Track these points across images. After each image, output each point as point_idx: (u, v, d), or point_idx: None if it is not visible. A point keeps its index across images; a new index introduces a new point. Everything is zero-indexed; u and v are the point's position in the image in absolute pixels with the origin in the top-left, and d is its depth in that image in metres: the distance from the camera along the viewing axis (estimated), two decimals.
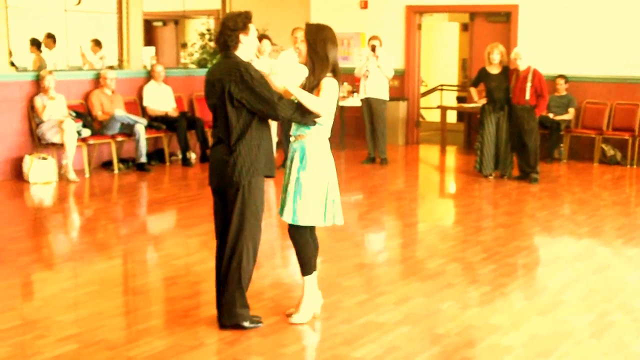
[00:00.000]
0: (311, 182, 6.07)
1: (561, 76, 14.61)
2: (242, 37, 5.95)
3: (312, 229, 6.30)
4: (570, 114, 14.56)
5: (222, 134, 5.96)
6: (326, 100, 5.99)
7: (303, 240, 6.25)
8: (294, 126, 6.20)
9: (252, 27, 5.99)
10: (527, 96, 12.06)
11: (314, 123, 6.04)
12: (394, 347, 5.85)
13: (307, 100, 5.93)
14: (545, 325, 6.32)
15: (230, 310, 6.06)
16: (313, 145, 6.10)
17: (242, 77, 5.80)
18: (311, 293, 6.35)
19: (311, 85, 6.07)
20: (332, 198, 6.20)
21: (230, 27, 5.93)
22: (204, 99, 6.18)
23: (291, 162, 6.17)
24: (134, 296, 7.15)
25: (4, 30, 12.09)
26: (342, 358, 5.64)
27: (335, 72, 6.13)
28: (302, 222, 6.13)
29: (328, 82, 6.04)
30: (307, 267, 6.30)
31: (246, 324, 6.11)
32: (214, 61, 14.93)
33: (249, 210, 5.97)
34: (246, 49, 6.01)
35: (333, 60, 6.09)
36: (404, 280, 7.52)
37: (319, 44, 6.07)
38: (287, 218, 6.14)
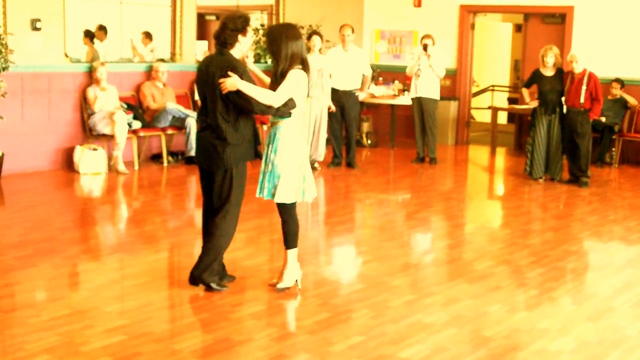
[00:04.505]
0: (283, 164, 6.66)
1: (617, 80, 14.44)
2: (240, 37, 6.60)
3: (294, 207, 6.84)
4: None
5: (212, 121, 6.59)
6: (283, 92, 6.52)
7: (288, 215, 6.83)
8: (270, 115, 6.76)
9: (250, 29, 6.66)
10: (582, 99, 11.93)
11: (290, 114, 6.64)
12: (441, 348, 5.82)
13: (257, 94, 6.45)
14: (595, 332, 6.25)
15: (202, 275, 6.79)
16: (283, 131, 6.67)
17: (230, 73, 6.40)
18: (293, 264, 6.87)
19: (277, 78, 6.61)
20: (303, 175, 6.76)
21: (231, 28, 6.56)
22: (196, 88, 6.91)
23: (267, 146, 6.77)
24: (181, 289, 7.15)
25: (60, 22, 12.20)
26: (389, 358, 5.62)
27: (303, 64, 6.65)
28: (277, 199, 6.71)
29: (292, 74, 6.58)
30: (292, 240, 6.86)
31: (214, 285, 6.83)
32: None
33: (234, 193, 6.71)
34: (242, 48, 6.66)
35: (292, 54, 6.58)
36: (451, 282, 7.48)
37: (273, 43, 6.63)
38: (264, 195, 6.75)
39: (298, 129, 6.80)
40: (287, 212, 6.82)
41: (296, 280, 6.91)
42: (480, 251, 8.63)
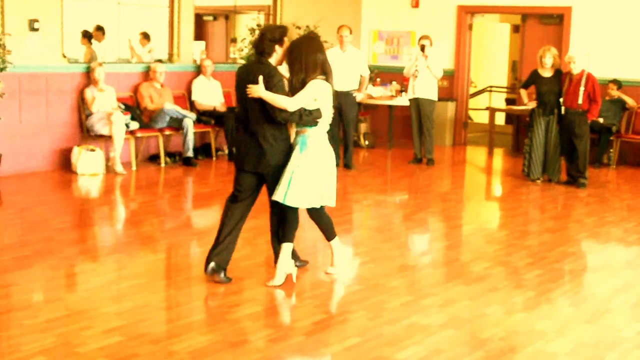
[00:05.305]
0: (310, 170, 6.93)
1: (614, 81, 14.45)
2: (277, 47, 6.97)
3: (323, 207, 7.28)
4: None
5: (254, 127, 6.93)
6: (298, 98, 6.85)
7: (318, 216, 7.29)
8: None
9: (286, 40, 7.01)
10: (580, 100, 11.93)
11: (316, 123, 6.97)
12: (438, 350, 5.81)
13: (276, 100, 6.76)
14: (592, 333, 6.24)
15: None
16: (312, 139, 6.97)
17: (267, 82, 6.78)
18: (339, 251, 7.47)
19: (294, 87, 6.95)
20: (326, 182, 7.09)
21: (269, 38, 6.95)
22: (235, 93, 7.23)
23: (296, 153, 7.00)
24: (178, 291, 7.16)
25: (58, 22, 12.18)
26: (386, 359, 5.61)
27: (325, 74, 7.06)
28: (296, 203, 6.99)
29: (311, 83, 6.92)
30: (329, 234, 7.40)
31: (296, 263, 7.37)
32: None
33: None
34: (278, 57, 7.01)
35: (308, 65, 6.95)
36: (448, 283, 7.48)
37: (291, 55, 6.97)
38: (282, 200, 6.93)
39: (325, 136, 7.14)
40: (315, 213, 7.27)
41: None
42: (478, 252, 8.62)
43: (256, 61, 7.04)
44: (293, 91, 6.94)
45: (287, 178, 6.89)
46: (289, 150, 7.01)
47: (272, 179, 7.01)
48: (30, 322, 6.05)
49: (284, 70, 7.19)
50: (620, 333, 6.27)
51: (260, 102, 6.81)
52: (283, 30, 7.06)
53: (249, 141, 6.99)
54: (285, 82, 7.09)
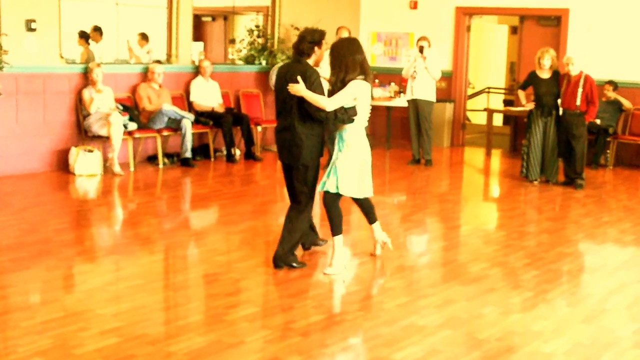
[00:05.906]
0: (347, 161, 7.40)
1: (610, 82, 14.45)
2: (316, 49, 7.46)
3: (339, 199, 7.54)
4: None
5: (290, 123, 7.38)
6: (337, 98, 7.26)
7: (334, 207, 7.49)
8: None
9: (325, 43, 7.52)
10: (578, 102, 11.93)
11: (352, 120, 7.36)
12: (435, 350, 5.81)
13: (315, 100, 7.22)
14: (588, 334, 6.25)
15: (287, 255, 7.54)
16: (349, 133, 7.43)
17: (305, 80, 7.24)
18: (339, 250, 7.52)
19: (336, 86, 7.36)
20: (366, 173, 7.53)
21: (309, 40, 7.43)
22: (274, 91, 7.86)
23: (334, 146, 7.59)
24: (175, 291, 7.17)
25: (56, 22, 12.17)
26: None
27: (364, 74, 7.41)
28: (340, 191, 7.42)
29: (351, 84, 7.32)
30: (337, 228, 7.50)
31: (295, 264, 7.56)
32: (262, 58, 14.99)
33: (310, 185, 7.53)
34: (316, 58, 7.51)
35: (347, 65, 7.35)
36: (446, 284, 7.48)
37: (332, 56, 7.46)
38: (330, 188, 7.43)
39: (363, 132, 7.54)
40: (334, 204, 7.50)
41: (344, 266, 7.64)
42: (475, 253, 8.63)
43: (294, 61, 7.55)
44: (335, 90, 7.33)
45: (332, 171, 7.44)
46: (321, 147, 7.50)
47: (298, 176, 7.48)
48: (27, 323, 6.04)
49: (324, 72, 7.69)
50: (616, 333, 6.29)
51: (298, 99, 7.26)
52: (322, 33, 7.52)
53: (287, 136, 7.45)
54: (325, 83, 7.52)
